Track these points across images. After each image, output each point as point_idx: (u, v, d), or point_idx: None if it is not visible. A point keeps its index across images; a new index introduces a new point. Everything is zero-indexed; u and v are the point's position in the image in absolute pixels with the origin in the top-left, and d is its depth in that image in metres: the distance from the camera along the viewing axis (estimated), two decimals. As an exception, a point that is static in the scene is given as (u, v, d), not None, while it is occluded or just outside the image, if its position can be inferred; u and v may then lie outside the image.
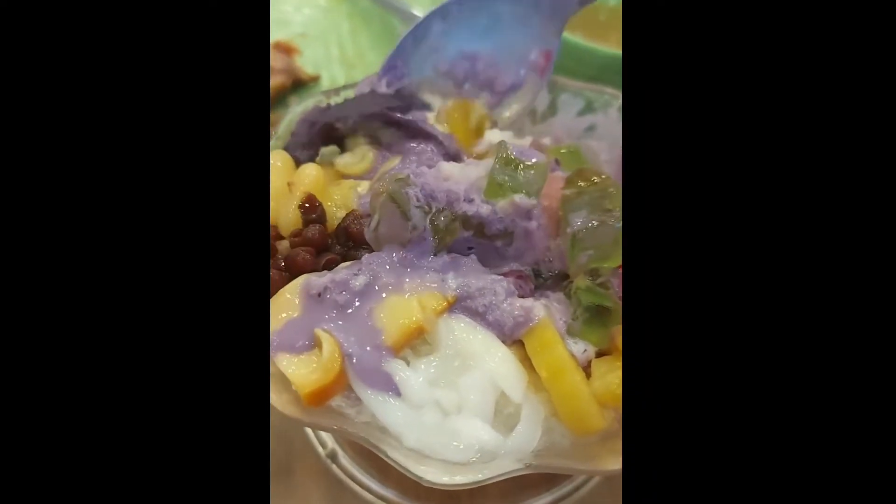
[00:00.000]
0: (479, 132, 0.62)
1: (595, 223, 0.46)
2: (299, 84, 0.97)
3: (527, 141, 0.62)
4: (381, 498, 0.62)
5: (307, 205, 0.51)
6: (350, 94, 0.61)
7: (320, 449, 0.65)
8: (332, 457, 0.64)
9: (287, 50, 0.97)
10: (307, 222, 0.51)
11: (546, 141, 0.62)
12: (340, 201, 0.52)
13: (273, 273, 0.48)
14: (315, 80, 0.98)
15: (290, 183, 0.53)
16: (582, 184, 0.48)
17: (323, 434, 0.66)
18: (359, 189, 0.54)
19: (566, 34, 0.72)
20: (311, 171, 0.54)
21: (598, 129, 0.63)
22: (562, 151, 0.60)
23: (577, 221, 0.47)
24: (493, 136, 0.61)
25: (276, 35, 1.03)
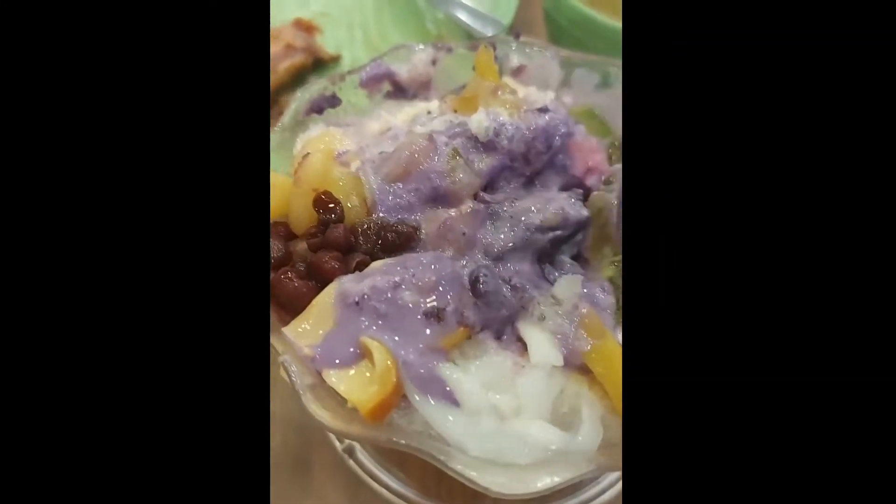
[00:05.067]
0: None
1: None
2: (320, 63, 0.94)
3: (549, 95, 0.59)
4: (400, 496, 0.60)
5: (325, 204, 0.47)
6: (355, 78, 0.59)
7: (337, 444, 0.62)
8: (350, 452, 0.62)
9: (308, 28, 0.94)
10: (325, 222, 0.47)
11: (567, 100, 0.60)
12: (350, 186, 0.48)
13: (297, 284, 0.44)
14: (336, 59, 0.96)
15: (295, 173, 0.49)
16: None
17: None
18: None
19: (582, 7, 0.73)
20: (316, 163, 0.49)
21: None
22: (581, 113, 0.58)
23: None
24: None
25: (296, 13, 1.00)
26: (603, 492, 0.61)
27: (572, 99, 0.61)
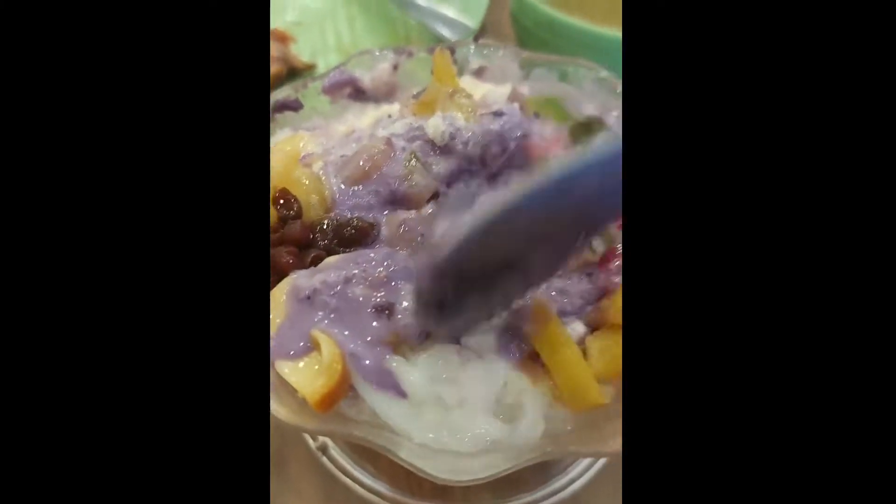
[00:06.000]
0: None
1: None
2: (295, 72, 0.96)
3: (506, 89, 0.61)
4: (372, 491, 0.61)
5: (282, 201, 0.49)
6: (316, 85, 0.61)
7: (311, 442, 0.64)
8: (323, 449, 0.63)
9: (282, 38, 0.96)
10: (283, 218, 0.49)
11: (525, 90, 0.61)
12: (311, 186, 0.50)
13: None
14: (311, 68, 0.97)
15: None
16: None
17: (313, 427, 0.65)
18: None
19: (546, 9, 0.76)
20: (277, 162, 0.52)
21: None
22: (540, 101, 0.60)
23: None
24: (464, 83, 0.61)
25: (271, 24, 1.02)
26: (573, 481, 0.63)
27: (529, 89, 0.62)
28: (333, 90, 0.62)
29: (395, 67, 0.64)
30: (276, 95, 0.60)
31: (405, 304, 0.44)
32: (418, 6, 0.99)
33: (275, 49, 0.94)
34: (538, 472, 0.62)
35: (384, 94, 0.65)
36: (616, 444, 0.41)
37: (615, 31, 0.82)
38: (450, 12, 0.98)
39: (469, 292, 0.39)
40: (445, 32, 0.95)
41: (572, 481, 0.62)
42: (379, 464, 0.62)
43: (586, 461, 0.63)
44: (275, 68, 0.93)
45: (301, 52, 0.98)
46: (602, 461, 0.63)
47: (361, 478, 0.62)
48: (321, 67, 0.98)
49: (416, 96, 0.60)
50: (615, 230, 0.51)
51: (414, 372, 0.43)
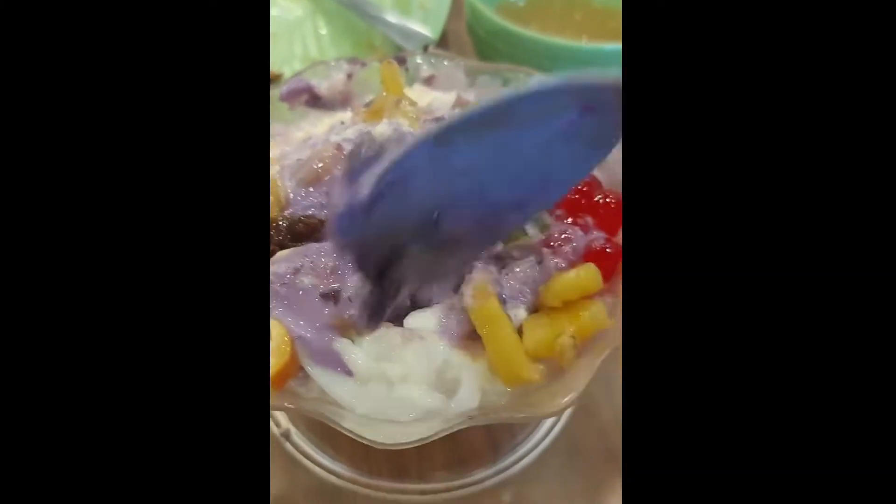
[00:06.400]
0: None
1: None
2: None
3: (452, 96, 0.65)
4: (333, 473, 0.65)
5: None
6: (276, 93, 0.66)
7: (275, 428, 0.68)
8: (286, 435, 0.67)
9: (249, 48, 1.00)
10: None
11: (471, 97, 0.66)
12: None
13: None
14: (278, 77, 1.01)
15: None
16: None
17: (277, 414, 0.69)
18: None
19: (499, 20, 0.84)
20: None
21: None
22: None
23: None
24: (413, 92, 0.66)
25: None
26: (521, 458, 0.67)
27: (474, 96, 0.67)
28: (291, 97, 0.66)
29: (350, 76, 0.68)
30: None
31: (350, 291, 0.48)
32: (381, 19, 1.03)
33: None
34: (489, 450, 0.67)
35: (339, 101, 0.69)
36: (547, 408, 0.45)
37: (566, 40, 0.87)
38: (411, 24, 1.03)
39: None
40: (407, 43, 1.00)
41: (521, 458, 0.67)
42: (339, 447, 0.66)
43: (533, 441, 0.68)
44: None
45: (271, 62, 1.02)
46: (548, 441, 0.68)
47: (322, 461, 0.66)
48: (287, 77, 1.02)
49: (367, 105, 0.64)
50: (549, 219, 0.55)
51: (359, 352, 0.47)
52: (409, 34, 1.00)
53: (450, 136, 0.35)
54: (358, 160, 0.41)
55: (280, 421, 0.68)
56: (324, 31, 1.09)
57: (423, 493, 0.64)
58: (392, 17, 1.03)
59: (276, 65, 1.03)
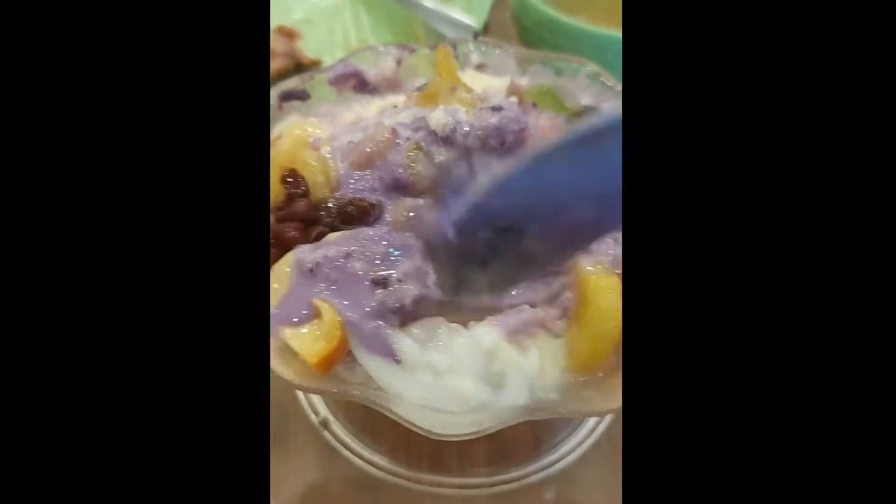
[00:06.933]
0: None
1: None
2: (300, 68, 0.99)
3: (505, 81, 0.64)
4: (372, 464, 0.64)
5: (290, 180, 0.53)
6: (323, 77, 0.65)
7: (313, 417, 0.67)
8: (325, 424, 0.66)
9: (289, 34, 1.00)
10: (291, 196, 0.53)
11: (523, 82, 0.64)
12: (318, 168, 0.53)
13: None
14: (316, 64, 1.00)
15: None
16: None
17: (316, 402, 0.68)
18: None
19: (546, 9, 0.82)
20: (286, 144, 0.55)
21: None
22: (537, 92, 0.63)
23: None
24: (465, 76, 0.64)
25: (279, 21, 1.05)
26: (563, 457, 0.66)
27: (527, 81, 0.65)
28: (339, 82, 0.65)
29: (399, 62, 0.67)
30: (283, 86, 0.63)
31: (399, 278, 0.47)
32: (423, 6, 1.02)
33: (281, 45, 0.97)
34: (530, 447, 0.65)
35: (387, 87, 0.68)
36: (606, 404, 0.44)
37: (613, 31, 0.85)
38: (454, 12, 1.01)
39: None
40: (449, 32, 0.99)
41: (562, 457, 0.65)
42: (380, 438, 0.65)
43: (577, 439, 0.66)
44: (281, 63, 0.96)
45: (307, 48, 1.02)
46: (592, 440, 0.66)
47: (362, 451, 0.65)
48: (327, 63, 1.01)
49: (419, 89, 0.63)
50: None
51: (407, 340, 0.46)
52: (452, 23, 0.99)
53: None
54: (449, 179, 0.42)
55: (319, 409, 0.67)
56: (364, 19, 1.08)
57: (463, 486, 0.63)
58: (434, 5, 1.01)
59: (315, 52, 1.02)
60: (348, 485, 0.64)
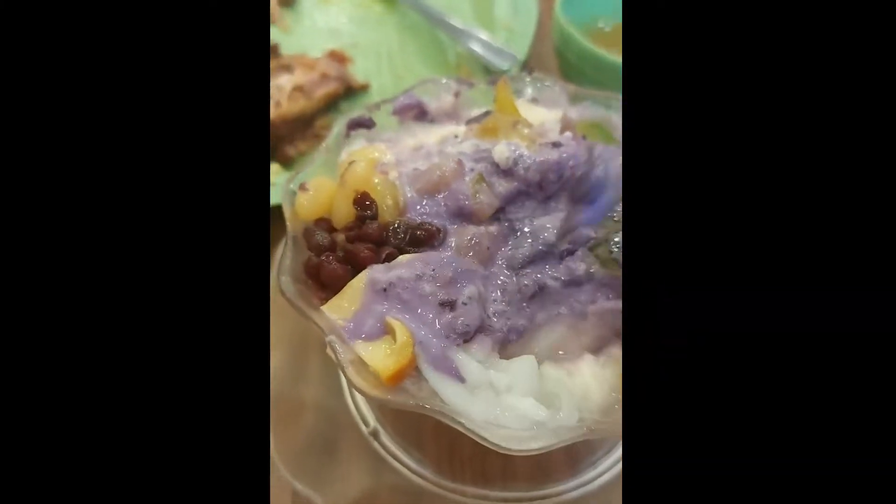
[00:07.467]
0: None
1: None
2: (351, 91, 1.03)
3: (557, 114, 0.67)
4: (418, 475, 0.68)
5: (363, 202, 0.56)
6: (389, 107, 0.69)
7: (363, 427, 0.70)
8: (374, 434, 0.70)
9: (340, 59, 1.04)
10: (362, 218, 0.57)
11: (573, 115, 0.68)
12: (387, 191, 0.57)
13: (336, 266, 0.53)
14: (365, 88, 1.05)
15: (342, 177, 0.59)
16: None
17: (366, 413, 0.71)
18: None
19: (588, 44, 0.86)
20: (360, 169, 0.59)
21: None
22: (587, 126, 0.66)
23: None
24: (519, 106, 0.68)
25: (330, 44, 1.10)
26: (601, 475, 0.69)
27: (578, 114, 0.69)
28: (402, 112, 0.69)
29: (457, 95, 0.71)
30: (352, 114, 0.67)
31: (464, 301, 0.51)
32: (467, 34, 1.06)
33: (334, 69, 1.02)
34: (569, 464, 0.68)
35: (444, 116, 0.72)
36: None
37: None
38: (497, 42, 1.06)
39: None
40: (493, 61, 1.03)
41: (600, 475, 0.68)
42: (425, 450, 0.68)
43: (613, 457, 0.69)
44: (333, 86, 1.00)
45: (356, 72, 1.06)
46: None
47: (409, 462, 0.68)
48: (374, 88, 1.06)
49: (476, 119, 0.67)
50: None
51: (471, 361, 0.50)
52: (495, 52, 1.03)
53: None
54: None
55: (369, 421, 0.71)
56: (409, 46, 1.12)
57: (505, 500, 0.66)
58: (478, 34, 1.06)
59: (363, 76, 1.06)
60: (396, 493, 0.67)
